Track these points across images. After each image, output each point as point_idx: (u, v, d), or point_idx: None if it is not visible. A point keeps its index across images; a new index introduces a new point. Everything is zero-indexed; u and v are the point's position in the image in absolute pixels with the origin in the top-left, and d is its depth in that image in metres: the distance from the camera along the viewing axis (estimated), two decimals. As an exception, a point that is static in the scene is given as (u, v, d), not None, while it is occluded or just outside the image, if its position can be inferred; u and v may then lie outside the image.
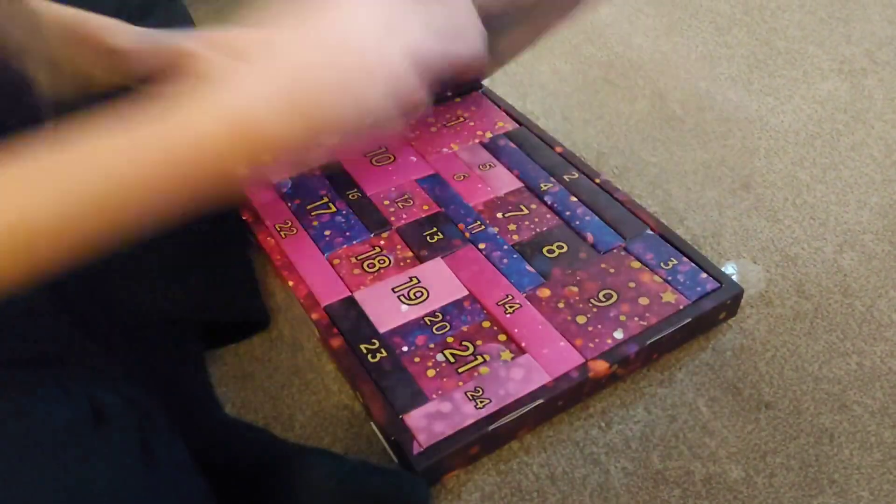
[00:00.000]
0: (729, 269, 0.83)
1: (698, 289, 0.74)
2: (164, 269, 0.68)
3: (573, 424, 0.69)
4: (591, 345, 0.69)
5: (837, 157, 0.96)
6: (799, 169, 0.95)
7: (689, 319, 0.72)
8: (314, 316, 0.74)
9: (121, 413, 0.44)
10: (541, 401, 0.65)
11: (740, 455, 0.66)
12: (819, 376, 0.73)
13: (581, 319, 0.72)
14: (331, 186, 0.87)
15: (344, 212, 0.84)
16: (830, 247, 0.85)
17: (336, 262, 0.79)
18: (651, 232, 0.80)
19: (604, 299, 0.73)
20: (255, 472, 0.60)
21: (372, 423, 0.68)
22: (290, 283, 0.77)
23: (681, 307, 0.73)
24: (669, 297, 0.73)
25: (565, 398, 0.68)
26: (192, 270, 0.71)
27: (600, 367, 0.68)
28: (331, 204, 0.85)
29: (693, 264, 0.76)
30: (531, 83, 1.10)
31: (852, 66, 1.12)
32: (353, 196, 0.86)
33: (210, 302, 0.72)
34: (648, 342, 0.70)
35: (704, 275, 0.75)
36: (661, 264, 0.76)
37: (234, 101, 0.40)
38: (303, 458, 0.60)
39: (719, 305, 0.73)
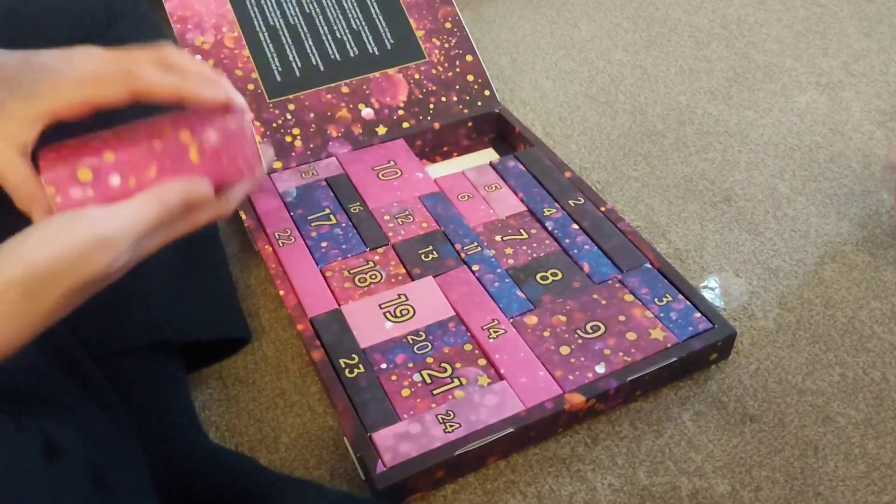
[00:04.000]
0: (711, 282, 0.83)
1: (689, 328, 0.72)
2: (139, 290, 0.67)
3: (559, 441, 0.69)
4: (570, 377, 0.69)
5: (817, 170, 0.97)
6: (779, 181, 0.96)
7: (675, 359, 0.70)
8: (299, 327, 0.74)
9: (73, 446, 0.43)
10: (511, 430, 0.65)
11: (726, 469, 0.67)
12: (803, 388, 0.73)
13: (564, 350, 0.71)
14: (335, 198, 0.88)
15: (344, 224, 0.84)
16: (811, 258, 0.86)
17: (329, 274, 0.79)
18: (650, 266, 0.79)
19: (591, 331, 0.73)
20: (238, 503, 0.59)
21: (345, 438, 0.68)
22: (281, 293, 0.77)
23: (668, 345, 0.71)
24: (658, 334, 0.72)
25: (538, 429, 0.67)
26: (169, 290, 0.70)
27: (577, 400, 0.67)
28: (332, 216, 0.85)
29: (688, 302, 0.75)
30: (512, 99, 1.10)
31: (830, 78, 1.13)
32: (354, 209, 0.86)
33: (189, 321, 0.71)
34: (629, 379, 0.68)
35: (698, 314, 0.73)
36: (656, 300, 0.75)
37: None
38: (286, 489, 0.59)
39: (709, 346, 0.72)
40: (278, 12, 1.00)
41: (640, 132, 1.04)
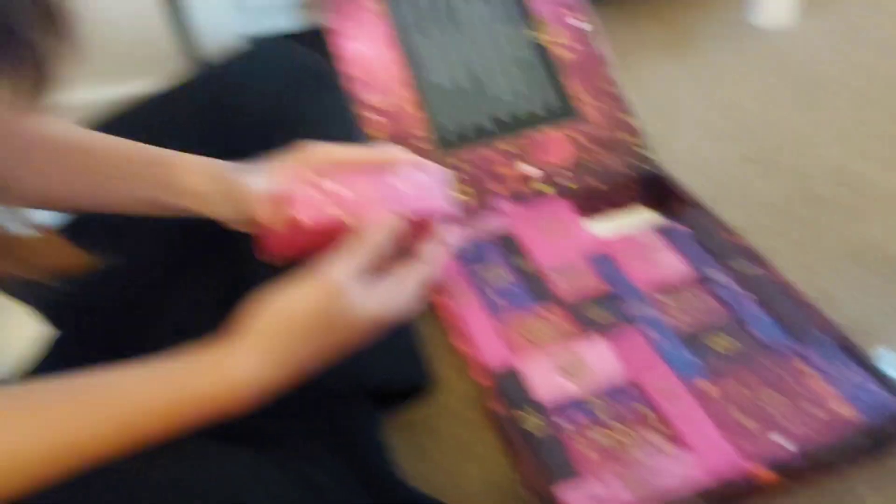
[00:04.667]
0: (885, 354, 0.82)
1: (880, 408, 0.72)
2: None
3: (738, 510, 0.70)
4: (753, 449, 0.70)
5: None
6: (951, 252, 0.94)
7: (866, 439, 0.70)
8: (480, 380, 0.78)
9: (329, 485, 0.47)
10: (699, 500, 0.66)
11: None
12: None
13: (745, 421, 0.72)
14: (503, 254, 0.92)
15: (514, 279, 0.89)
16: None
17: (503, 328, 0.83)
18: (826, 337, 0.79)
19: (771, 402, 0.73)
20: None
21: (525, 493, 0.71)
22: (459, 346, 0.81)
23: (856, 423, 0.71)
24: (845, 410, 0.72)
25: (723, 500, 0.68)
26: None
27: (760, 472, 0.68)
28: (502, 271, 0.90)
29: (873, 379, 0.74)
30: (669, 160, 1.12)
31: None
32: (523, 264, 0.90)
33: (382, 368, 0.75)
34: (816, 455, 0.69)
35: (887, 394, 0.73)
36: (837, 374, 0.75)
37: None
38: None
39: None
40: (447, 72, 1.06)
41: (802, 196, 1.04)
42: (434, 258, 0.55)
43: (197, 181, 0.58)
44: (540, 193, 1.01)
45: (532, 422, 0.73)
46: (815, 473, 0.72)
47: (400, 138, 1.00)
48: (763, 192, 1.05)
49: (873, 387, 0.74)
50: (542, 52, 1.08)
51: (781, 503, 0.70)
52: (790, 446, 0.70)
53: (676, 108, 1.23)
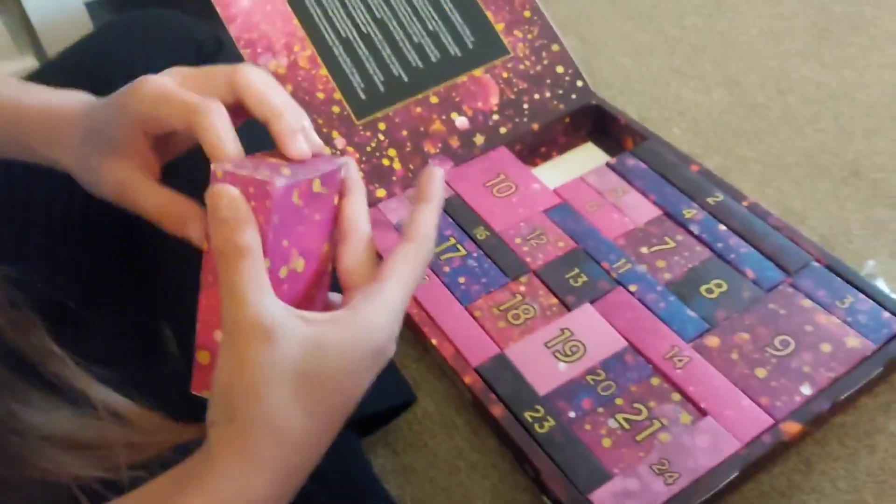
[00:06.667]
0: (868, 269, 0.79)
1: (884, 330, 0.68)
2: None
3: (772, 472, 0.65)
4: (777, 403, 0.64)
5: (936, 127, 0.93)
6: (902, 145, 0.91)
7: (881, 368, 0.66)
8: (467, 379, 0.68)
9: None
10: (736, 473, 0.61)
11: (954, 480, 0.63)
12: None
13: (760, 373, 0.66)
14: (456, 224, 0.81)
15: (475, 254, 0.78)
16: (963, 229, 0.82)
17: (478, 313, 0.73)
18: (816, 264, 0.74)
19: (781, 347, 0.68)
20: None
21: (546, 500, 0.63)
22: (434, 342, 0.71)
23: (868, 353, 0.67)
24: (853, 341, 0.67)
25: (759, 466, 0.63)
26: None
27: (793, 428, 0.63)
28: (459, 245, 0.79)
29: (871, 301, 0.70)
30: (594, 84, 1.04)
31: (916, 23, 1.08)
32: (481, 235, 0.80)
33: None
34: (843, 396, 0.64)
35: (887, 314, 0.69)
36: (837, 302, 0.70)
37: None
38: None
39: None
40: (348, 22, 0.91)
41: (742, 106, 0.98)
42: (427, 228, 0.39)
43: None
44: (474, 145, 0.90)
45: (542, 422, 0.65)
46: (836, 413, 0.67)
47: (309, 108, 0.86)
48: (702, 107, 0.98)
49: (876, 310, 0.70)
50: (450, -18, 0.95)
51: (812, 452, 0.65)
52: (819, 394, 0.65)
53: (584, 21, 1.13)
